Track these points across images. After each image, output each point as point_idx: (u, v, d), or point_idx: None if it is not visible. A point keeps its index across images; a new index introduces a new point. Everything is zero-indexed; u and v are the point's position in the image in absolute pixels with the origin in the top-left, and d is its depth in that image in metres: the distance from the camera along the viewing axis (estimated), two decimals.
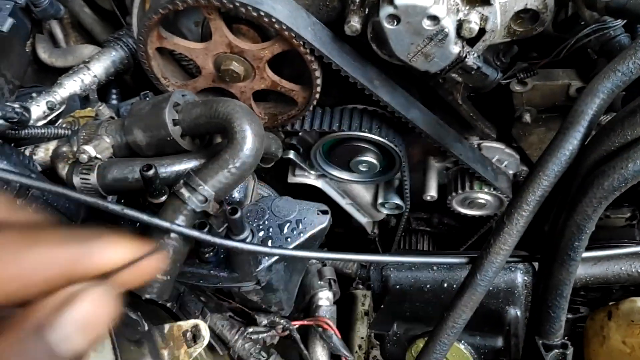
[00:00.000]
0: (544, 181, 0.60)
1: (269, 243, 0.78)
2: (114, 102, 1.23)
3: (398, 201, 1.37)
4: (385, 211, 1.41)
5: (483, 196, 1.28)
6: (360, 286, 1.13)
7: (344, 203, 1.40)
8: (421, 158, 1.34)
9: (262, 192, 1.03)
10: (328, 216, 0.81)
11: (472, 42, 0.88)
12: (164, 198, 0.68)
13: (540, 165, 0.60)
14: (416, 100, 1.09)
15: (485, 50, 0.92)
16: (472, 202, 1.31)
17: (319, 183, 1.31)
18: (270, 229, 0.79)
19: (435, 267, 1.13)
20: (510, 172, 1.31)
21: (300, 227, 0.79)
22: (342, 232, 1.68)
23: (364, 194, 1.40)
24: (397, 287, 1.11)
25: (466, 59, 0.88)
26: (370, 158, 1.17)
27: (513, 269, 1.09)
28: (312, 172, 1.29)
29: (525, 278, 1.09)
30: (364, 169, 1.21)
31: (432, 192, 1.30)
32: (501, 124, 1.20)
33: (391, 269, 1.12)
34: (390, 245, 1.62)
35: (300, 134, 1.17)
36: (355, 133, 1.11)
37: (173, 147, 0.74)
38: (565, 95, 1.12)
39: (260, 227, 0.79)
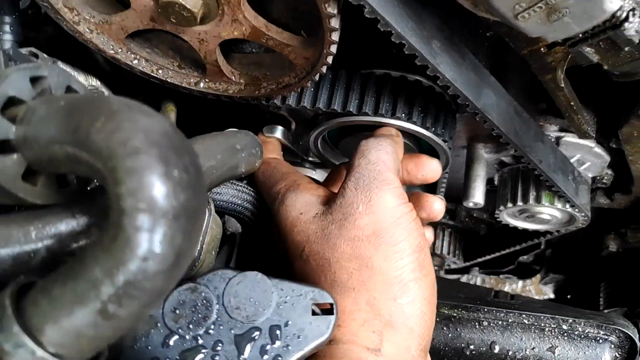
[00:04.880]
0: None
1: None
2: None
3: None
4: None
5: (550, 212, 0.90)
6: None
7: None
8: (463, 143, 0.94)
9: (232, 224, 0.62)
10: (332, 319, 0.42)
11: None
12: None
13: None
14: (489, 75, 0.67)
15: None
16: (531, 216, 0.93)
17: (315, 174, 0.91)
18: (220, 347, 0.40)
19: (486, 323, 0.78)
20: (590, 175, 0.92)
21: (278, 343, 0.40)
22: None
23: None
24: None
25: (625, 25, 0.45)
26: None
27: (600, 341, 0.74)
28: (309, 157, 0.88)
29: (616, 355, 0.75)
30: None
31: (476, 198, 0.91)
32: (600, 117, 0.78)
33: None
34: None
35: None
36: (385, 120, 0.69)
37: (9, 196, 0.33)
38: None
39: (200, 339, 0.40)
